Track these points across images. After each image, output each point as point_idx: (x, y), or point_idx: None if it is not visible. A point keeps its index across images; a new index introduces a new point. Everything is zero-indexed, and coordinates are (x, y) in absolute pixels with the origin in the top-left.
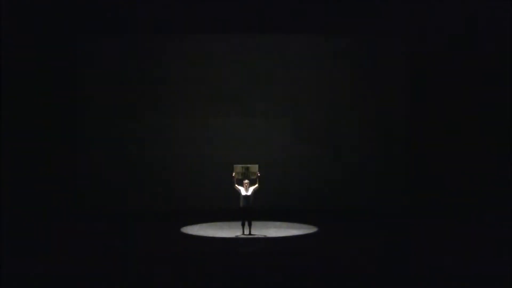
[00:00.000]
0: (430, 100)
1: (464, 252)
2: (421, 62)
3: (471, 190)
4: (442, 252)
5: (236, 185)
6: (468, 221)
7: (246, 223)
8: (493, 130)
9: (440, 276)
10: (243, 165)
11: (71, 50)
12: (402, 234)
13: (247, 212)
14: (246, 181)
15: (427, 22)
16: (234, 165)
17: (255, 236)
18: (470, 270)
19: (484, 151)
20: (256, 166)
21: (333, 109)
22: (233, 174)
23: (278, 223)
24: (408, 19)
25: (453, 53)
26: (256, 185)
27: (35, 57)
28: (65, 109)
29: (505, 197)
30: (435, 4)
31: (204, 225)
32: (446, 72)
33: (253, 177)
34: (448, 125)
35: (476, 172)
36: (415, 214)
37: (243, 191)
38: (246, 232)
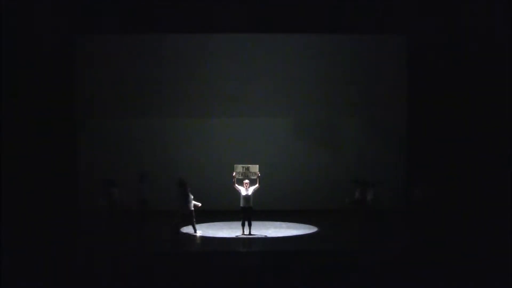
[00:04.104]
0: (431, 99)
1: (464, 251)
2: (421, 62)
3: (471, 190)
4: (442, 252)
5: (236, 185)
6: (468, 220)
7: (246, 223)
8: (493, 130)
9: (440, 276)
10: (243, 165)
11: (71, 50)
12: (402, 234)
13: (247, 212)
14: (246, 181)
15: (428, 21)
16: (235, 165)
17: (255, 236)
18: (470, 269)
19: (484, 150)
20: (257, 166)
21: (333, 109)
22: (233, 174)
23: (278, 223)
24: (408, 18)
25: (453, 52)
26: (257, 185)
27: (34, 56)
28: (65, 109)
29: (505, 197)
30: (435, 3)
31: (204, 225)
32: (446, 72)
33: (254, 177)
34: (448, 124)
35: (476, 172)
36: (415, 214)
37: (243, 191)
38: (246, 232)
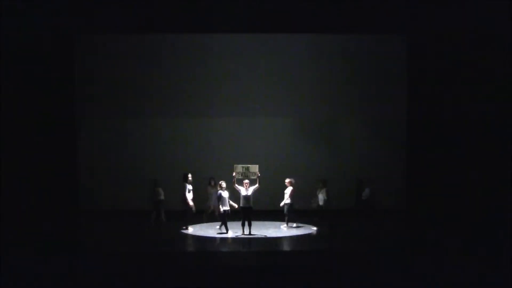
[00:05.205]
0: (431, 99)
1: (463, 251)
2: (421, 62)
3: (471, 190)
4: (442, 252)
5: (236, 185)
6: (468, 221)
7: (246, 223)
8: (494, 129)
9: (440, 277)
10: (243, 165)
11: (71, 50)
12: (401, 234)
13: (247, 212)
14: (246, 181)
15: (428, 21)
16: (235, 165)
17: (255, 236)
18: (470, 269)
19: (485, 150)
20: (256, 166)
21: (333, 109)
22: (233, 174)
23: (278, 223)
24: (408, 18)
25: (453, 52)
26: (257, 185)
27: (34, 56)
28: (65, 108)
29: (506, 197)
30: (435, 3)
31: (204, 225)
32: (446, 71)
33: (253, 177)
34: (448, 124)
35: (476, 172)
36: (415, 214)
37: (243, 191)
38: (246, 232)
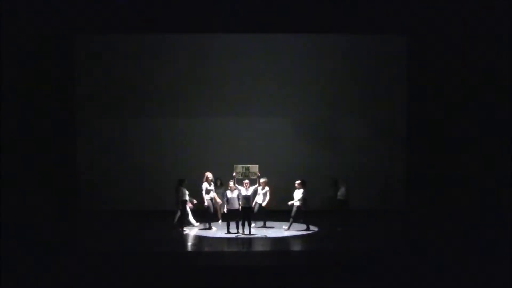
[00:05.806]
0: (431, 99)
1: (464, 252)
2: (421, 62)
3: (471, 190)
4: (442, 252)
5: (236, 185)
6: (468, 221)
7: (246, 223)
8: (494, 129)
9: (440, 277)
10: (243, 165)
11: (71, 50)
12: (402, 234)
13: (247, 212)
14: (246, 181)
15: (428, 21)
16: (235, 165)
17: (255, 236)
18: (470, 269)
19: (485, 151)
20: (256, 166)
21: (334, 109)
22: (233, 174)
23: (278, 223)
24: (408, 18)
25: (453, 52)
26: (257, 185)
27: (34, 56)
28: (65, 109)
29: (505, 197)
30: (435, 3)
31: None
32: (446, 72)
33: (253, 177)
34: (448, 124)
35: (476, 172)
36: (415, 214)
37: (243, 191)
38: (246, 232)
